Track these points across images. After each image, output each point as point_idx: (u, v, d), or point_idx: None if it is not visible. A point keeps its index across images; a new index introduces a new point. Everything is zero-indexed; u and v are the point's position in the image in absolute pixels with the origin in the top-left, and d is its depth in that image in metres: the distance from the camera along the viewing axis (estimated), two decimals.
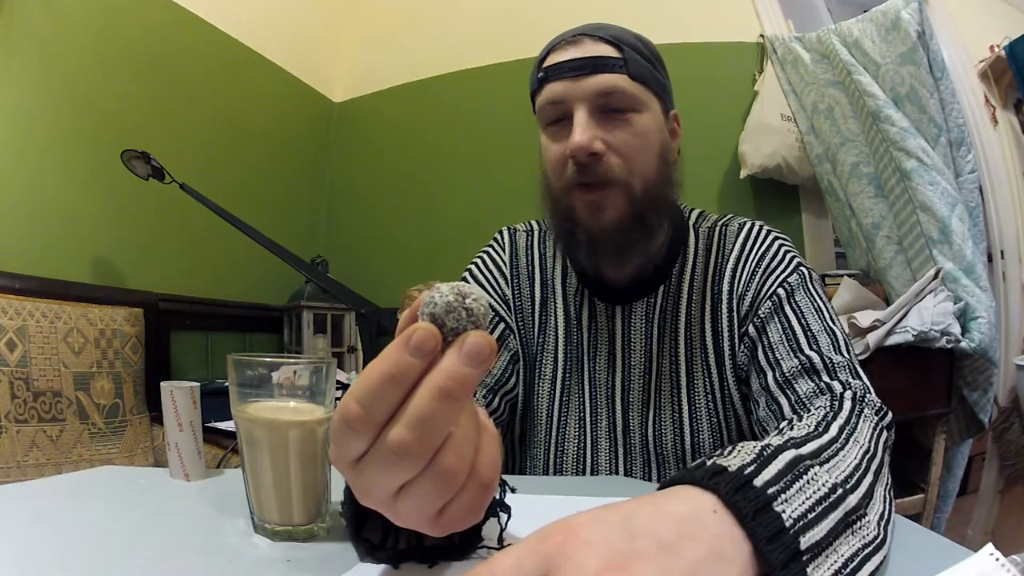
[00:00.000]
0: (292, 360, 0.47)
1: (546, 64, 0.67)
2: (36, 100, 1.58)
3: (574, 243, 0.70)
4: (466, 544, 0.40)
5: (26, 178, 1.56)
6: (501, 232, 0.83)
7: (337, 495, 0.43)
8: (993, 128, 1.76)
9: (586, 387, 0.74)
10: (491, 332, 0.73)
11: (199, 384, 0.62)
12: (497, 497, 0.41)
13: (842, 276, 1.72)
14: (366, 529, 0.39)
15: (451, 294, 0.30)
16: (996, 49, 1.74)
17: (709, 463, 0.31)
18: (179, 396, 0.59)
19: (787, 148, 1.88)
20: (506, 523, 0.41)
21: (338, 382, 1.97)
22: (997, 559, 0.28)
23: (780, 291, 0.66)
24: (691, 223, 0.76)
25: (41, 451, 1.30)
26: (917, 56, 1.59)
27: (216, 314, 2.09)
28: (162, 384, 0.60)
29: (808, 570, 0.27)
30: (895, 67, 1.64)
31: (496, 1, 2.41)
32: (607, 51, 0.65)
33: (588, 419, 0.73)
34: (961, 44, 1.78)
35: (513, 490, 0.45)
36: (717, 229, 0.74)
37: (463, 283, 0.31)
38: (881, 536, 0.34)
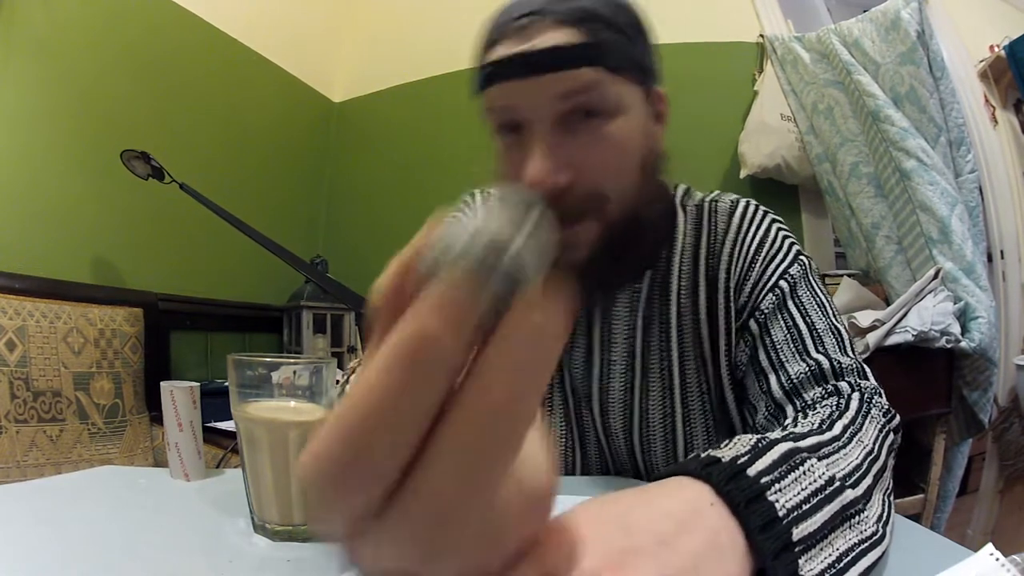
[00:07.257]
0: (292, 360, 0.47)
1: (491, 58, 0.52)
2: (36, 100, 1.58)
3: None
4: None
5: (26, 178, 1.56)
6: None
7: None
8: (993, 128, 1.76)
9: (567, 384, 0.67)
10: None
11: (199, 384, 0.62)
12: None
13: (842, 276, 1.72)
14: None
15: (480, 246, 0.15)
16: (996, 49, 1.74)
17: (703, 455, 0.31)
18: (179, 396, 0.59)
19: (787, 148, 1.88)
20: None
21: (337, 382, 1.96)
22: (997, 559, 0.28)
23: (783, 283, 0.59)
24: (678, 201, 0.67)
25: (41, 451, 1.29)
26: (917, 56, 1.59)
27: (216, 314, 2.08)
28: (162, 384, 0.60)
29: (800, 562, 0.27)
30: (895, 67, 1.64)
31: (496, 2, 2.41)
32: (569, 36, 0.49)
33: (573, 418, 0.66)
34: (961, 44, 1.78)
35: None
36: (706, 206, 0.66)
37: (484, 223, 0.16)
38: (880, 533, 0.34)
